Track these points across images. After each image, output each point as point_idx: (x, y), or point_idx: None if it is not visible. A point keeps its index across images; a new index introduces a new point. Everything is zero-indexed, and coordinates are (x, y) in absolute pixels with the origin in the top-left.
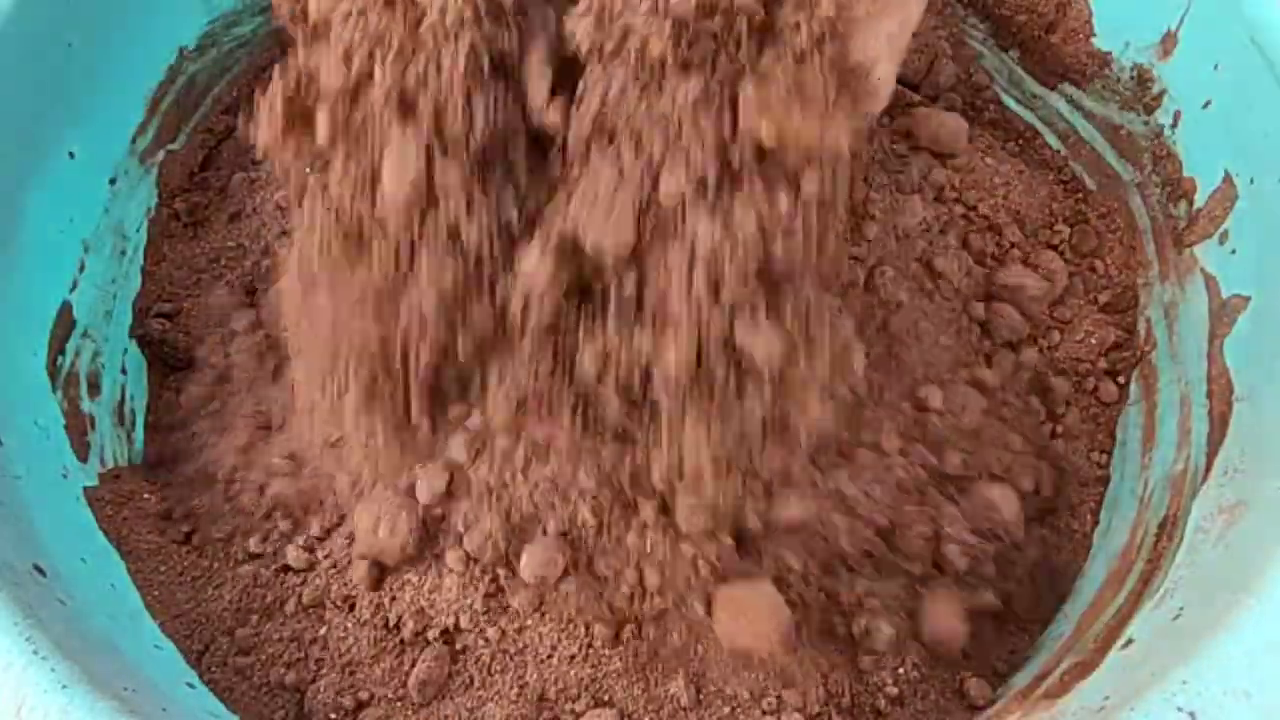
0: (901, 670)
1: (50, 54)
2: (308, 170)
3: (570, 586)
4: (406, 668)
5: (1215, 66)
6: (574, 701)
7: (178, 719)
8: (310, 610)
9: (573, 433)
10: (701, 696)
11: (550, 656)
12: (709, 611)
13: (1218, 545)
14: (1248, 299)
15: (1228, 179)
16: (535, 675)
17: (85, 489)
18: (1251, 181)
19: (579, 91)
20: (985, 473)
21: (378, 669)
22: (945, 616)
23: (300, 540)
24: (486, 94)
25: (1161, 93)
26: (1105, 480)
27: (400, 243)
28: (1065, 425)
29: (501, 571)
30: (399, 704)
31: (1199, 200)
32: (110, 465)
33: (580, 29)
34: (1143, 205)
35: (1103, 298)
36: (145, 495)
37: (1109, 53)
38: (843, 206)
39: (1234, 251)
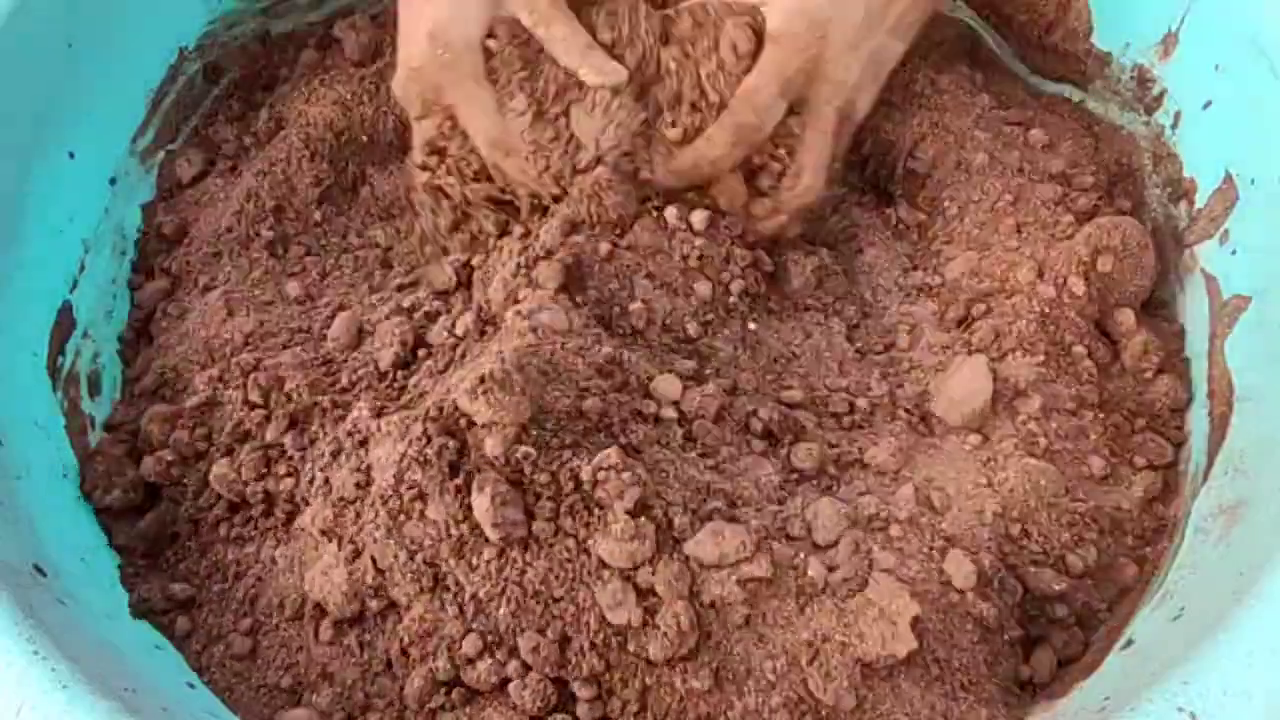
0: None
1: (50, 54)
2: None
3: None
4: (404, 675)
5: (1215, 66)
6: None
7: (178, 719)
8: (308, 614)
9: None
10: None
11: None
12: None
13: (1218, 545)
14: (1248, 299)
15: (1228, 179)
16: None
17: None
18: (1252, 182)
19: None
20: None
21: (375, 676)
22: None
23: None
24: None
25: (1162, 93)
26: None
27: None
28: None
29: None
30: (397, 711)
31: (1199, 200)
32: None
33: None
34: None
35: None
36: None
37: (1109, 53)
38: None
39: (1234, 252)
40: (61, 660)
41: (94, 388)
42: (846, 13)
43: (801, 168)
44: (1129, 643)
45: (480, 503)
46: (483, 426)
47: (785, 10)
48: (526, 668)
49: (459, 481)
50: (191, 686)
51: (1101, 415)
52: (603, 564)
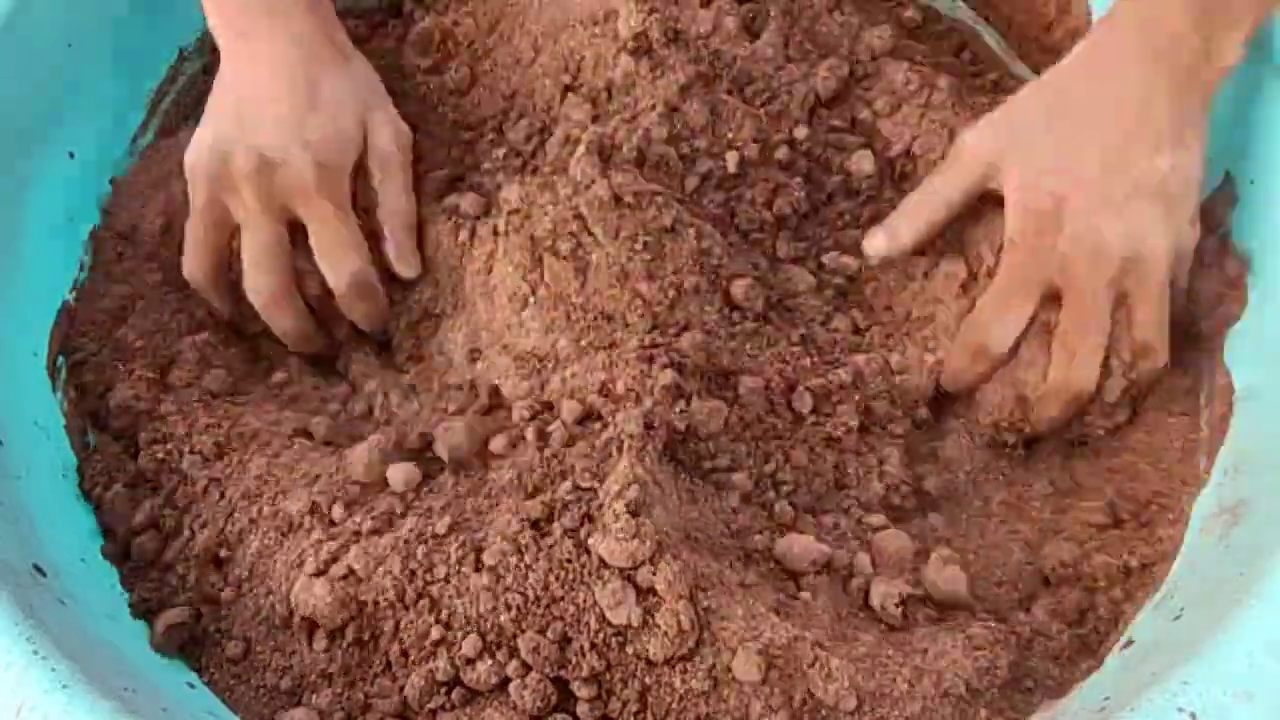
0: None
1: (50, 54)
2: None
3: None
4: (404, 675)
5: None
6: None
7: (178, 719)
8: (306, 618)
9: None
10: None
11: None
12: None
13: (1218, 545)
14: (1248, 299)
15: (1228, 179)
16: None
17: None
18: (1252, 182)
19: None
20: None
21: (375, 676)
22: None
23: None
24: None
25: None
26: None
27: None
28: None
29: None
30: (397, 712)
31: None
32: None
33: None
34: None
35: None
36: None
37: None
38: None
39: None
40: (61, 660)
41: None
42: (1082, 167)
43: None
44: (1129, 643)
45: None
46: None
47: (1011, 205)
48: (526, 668)
49: None
50: (191, 686)
51: None
52: (603, 564)
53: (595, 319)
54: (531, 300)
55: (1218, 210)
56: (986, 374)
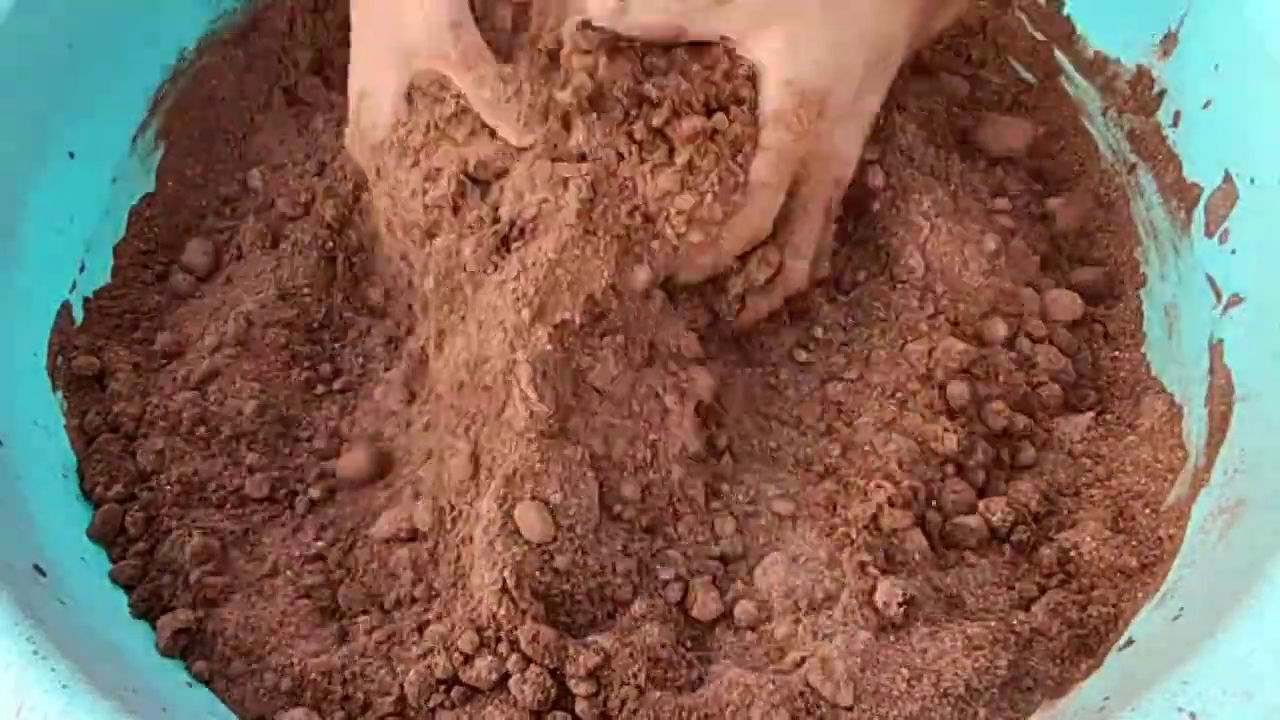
0: None
1: (50, 54)
2: None
3: None
4: (403, 674)
5: (1215, 66)
6: None
7: (177, 719)
8: (306, 619)
9: None
10: None
11: None
12: None
13: (1218, 545)
14: (1247, 299)
15: (1228, 179)
16: None
17: None
18: (1252, 181)
19: None
20: None
21: (375, 675)
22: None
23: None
24: None
25: (1161, 93)
26: None
27: None
28: None
29: None
30: (397, 711)
31: (1200, 200)
32: None
33: None
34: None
35: None
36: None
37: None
38: None
39: (1234, 251)
40: (61, 660)
41: None
42: (845, 77)
43: (796, 249)
44: (1129, 643)
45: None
46: None
47: (778, 85)
48: (527, 661)
49: None
50: (191, 686)
51: None
52: None
53: None
54: None
55: (1218, 210)
56: None
